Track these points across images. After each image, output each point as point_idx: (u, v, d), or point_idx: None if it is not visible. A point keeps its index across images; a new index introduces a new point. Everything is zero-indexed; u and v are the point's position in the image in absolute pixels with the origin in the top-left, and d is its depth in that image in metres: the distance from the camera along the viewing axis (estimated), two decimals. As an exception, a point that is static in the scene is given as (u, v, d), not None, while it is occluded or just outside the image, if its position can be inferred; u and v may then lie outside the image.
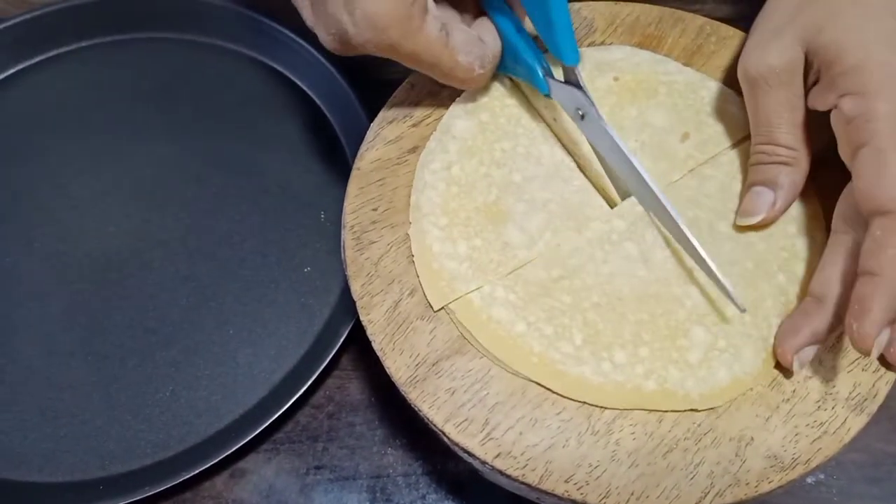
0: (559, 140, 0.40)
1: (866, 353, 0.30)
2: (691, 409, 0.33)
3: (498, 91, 0.42)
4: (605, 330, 0.35)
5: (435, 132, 0.41)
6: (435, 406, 0.34)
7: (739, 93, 0.41)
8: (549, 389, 0.34)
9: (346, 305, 0.44)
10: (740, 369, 0.34)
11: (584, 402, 0.34)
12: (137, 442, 0.42)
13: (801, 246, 0.37)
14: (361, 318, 0.36)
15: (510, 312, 0.35)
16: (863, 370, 0.34)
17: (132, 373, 0.44)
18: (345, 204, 0.39)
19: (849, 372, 0.34)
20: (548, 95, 0.39)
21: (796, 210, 0.38)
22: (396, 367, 0.35)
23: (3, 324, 0.45)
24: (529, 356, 0.34)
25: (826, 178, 0.38)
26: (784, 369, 0.34)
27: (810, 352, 0.34)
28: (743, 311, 0.34)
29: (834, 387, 0.34)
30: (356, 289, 0.37)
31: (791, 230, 0.37)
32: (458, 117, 0.41)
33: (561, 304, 0.35)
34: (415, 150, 0.40)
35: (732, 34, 0.43)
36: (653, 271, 0.36)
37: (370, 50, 0.35)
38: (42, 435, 0.42)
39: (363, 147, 0.41)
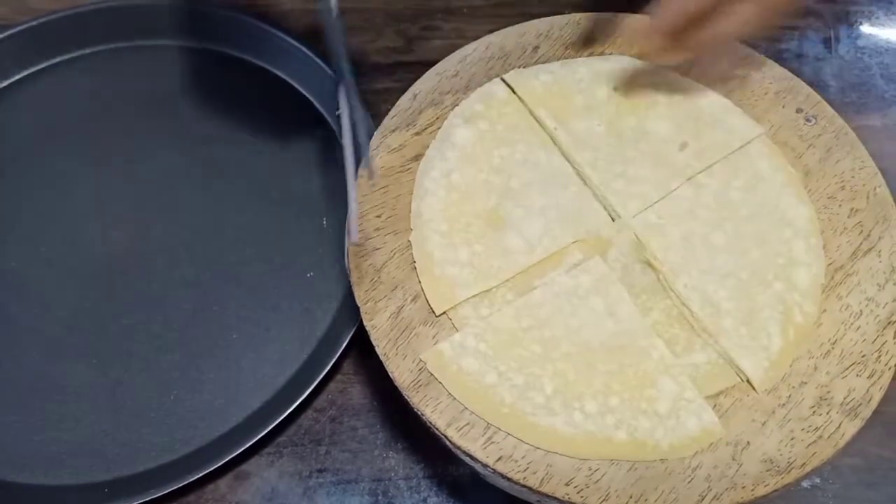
0: (558, 147, 0.41)
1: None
2: (660, 460, 0.33)
3: (495, 100, 0.42)
4: (576, 380, 0.35)
5: (434, 140, 0.41)
6: (437, 410, 0.34)
7: (737, 103, 0.41)
8: (520, 440, 0.33)
9: (349, 311, 0.45)
10: (709, 419, 0.34)
11: (556, 453, 0.33)
12: (142, 445, 0.42)
13: (798, 250, 0.38)
14: (365, 324, 0.37)
15: (481, 363, 0.35)
16: (857, 376, 0.35)
17: (136, 377, 0.44)
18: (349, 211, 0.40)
19: (843, 378, 0.35)
20: None
21: (791, 214, 0.38)
22: (399, 371, 0.35)
23: (8, 328, 0.46)
24: (500, 407, 0.34)
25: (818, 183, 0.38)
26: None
27: None
28: None
29: (829, 392, 0.34)
30: (360, 295, 0.37)
31: (787, 235, 0.38)
32: (456, 126, 0.41)
33: (531, 354, 0.35)
34: (417, 157, 0.41)
35: (730, 45, 0.44)
36: (619, 324, 0.36)
37: None
38: (47, 438, 0.43)
39: (366, 155, 0.41)
